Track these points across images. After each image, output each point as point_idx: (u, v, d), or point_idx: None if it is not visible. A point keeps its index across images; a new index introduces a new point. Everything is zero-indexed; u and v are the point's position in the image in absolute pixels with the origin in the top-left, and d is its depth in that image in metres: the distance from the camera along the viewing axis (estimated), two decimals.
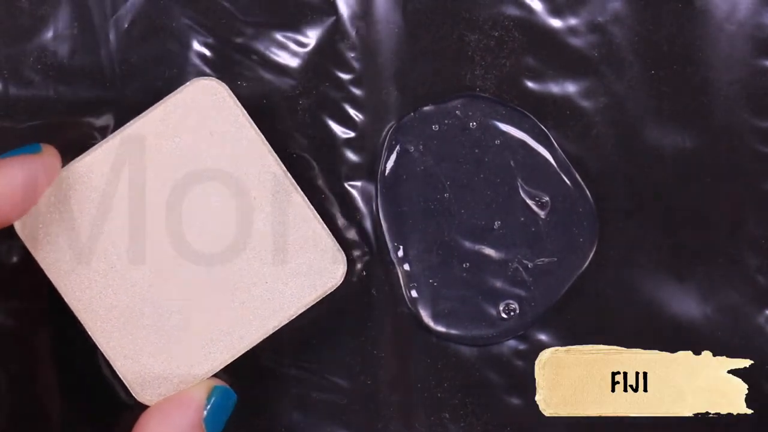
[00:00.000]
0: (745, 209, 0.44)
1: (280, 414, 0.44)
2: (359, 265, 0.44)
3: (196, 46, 0.44)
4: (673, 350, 0.44)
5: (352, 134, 0.45)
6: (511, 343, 0.44)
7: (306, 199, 0.38)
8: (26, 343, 0.42)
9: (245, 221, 0.36)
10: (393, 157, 0.44)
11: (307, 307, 0.37)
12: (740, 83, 0.44)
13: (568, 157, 0.44)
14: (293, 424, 0.40)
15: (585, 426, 0.44)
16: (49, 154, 0.36)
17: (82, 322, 0.37)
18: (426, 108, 0.44)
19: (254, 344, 0.38)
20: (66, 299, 0.36)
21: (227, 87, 0.37)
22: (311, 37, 0.44)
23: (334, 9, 0.44)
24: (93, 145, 0.39)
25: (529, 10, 0.45)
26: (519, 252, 0.44)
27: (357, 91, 0.45)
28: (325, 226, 0.38)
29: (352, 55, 0.45)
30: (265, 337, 0.38)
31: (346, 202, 0.44)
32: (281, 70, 0.44)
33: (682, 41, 0.45)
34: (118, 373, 0.37)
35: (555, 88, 0.45)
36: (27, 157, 0.34)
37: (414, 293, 0.44)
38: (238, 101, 0.37)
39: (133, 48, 0.44)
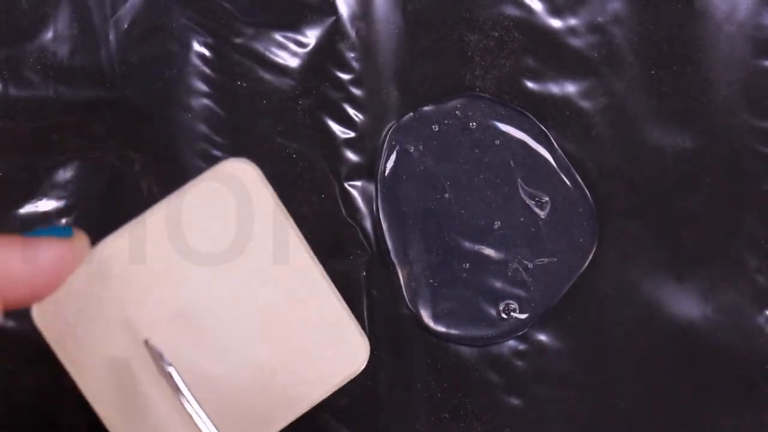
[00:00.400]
0: (744, 209, 0.44)
1: None
2: (359, 265, 0.44)
3: (196, 46, 0.44)
4: (672, 351, 0.44)
5: (352, 134, 0.45)
6: (511, 343, 0.44)
7: (332, 284, 0.37)
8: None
9: (271, 309, 0.36)
10: (393, 157, 0.44)
11: (330, 393, 0.37)
12: (740, 83, 0.44)
13: (568, 157, 0.44)
14: (293, 425, 0.40)
15: None
16: (80, 240, 0.33)
17: (97, 414, 0.36)
18: (426, 108, 0.44)
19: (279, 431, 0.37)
20: (82, 391, 0.35)
21: (257, 168, 0.36)
22: (311, 37, 0.44)
23: (333, 9, 0.44)
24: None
25: (528, 10, 0.45)
26: (519, 252, 0.44)
27: (357, 92, 0.45)
28: (349, 311, 0.37)
29: (352, 55, 0.45)
30: (288, 423, 0.37)
31: (346, 202, 0.44)
32: (281, 70, 0.44)
33: (682, 42, 0.45)
34: None
35: (555, 89, 0.45)
36: (57, 241, 0.32)
37: (414, 293, 0.44)
38: (268, 183, 0.36)
39: (133, 48, 0.44)
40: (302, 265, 0.36)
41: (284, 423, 0.37)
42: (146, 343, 0.35)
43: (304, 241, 0.36)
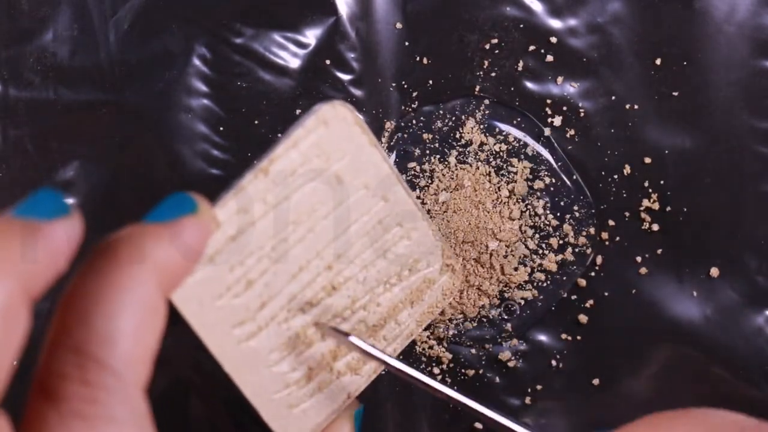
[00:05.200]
0: (744, 210, 0.44)
1: None
2: None
3: (196, 46, 0.44)
4: (672, 352, 0.44)
5: None
6: (511, 344, 0.44)
7: (426, 215, 0.39)
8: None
9: (377, 241, 0.37)
10: (393, 157, 0.44)
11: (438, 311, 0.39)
12: (739, 84, 0.44)
13: (568, 157, 0.44)
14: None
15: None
16: (206, 212, 0.31)
17: (222, 366, 0.35)
18: (426, 108, 0.44)
19: (394, 354, 0.38)
20: (208, 347, 0.34)
21: (353, 110, 0.36)
22: (311, 37, 0.44)
23: (334, 10, 0.44)
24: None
25: (528, 11, 0.45)
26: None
27: (357, 92, 0.45)
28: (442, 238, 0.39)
29: (352, 55, 0.45)
30: (402, 348, 0.39)
31: None
32: (281, 70, 0.44)
33: (682, 42, 0.45)
34: (262, 417, 0.36)
35: (554, 89, 0.45)
36: (187, 221, 0.30)
37: None
38: (366, 126, 0.36)
39: (133, 49, 0.44)
40: (400, 199, 0.37)
41: (418, 330, 0.39)
42: (321, 325, 0.35)
43: (401, 178, 0.37)
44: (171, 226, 0.29)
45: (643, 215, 0.44)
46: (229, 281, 0.33)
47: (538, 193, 0.44)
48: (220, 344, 0.34)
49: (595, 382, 0.44)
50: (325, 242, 0.36)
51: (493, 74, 0.45)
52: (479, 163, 0.44)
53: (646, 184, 0.44)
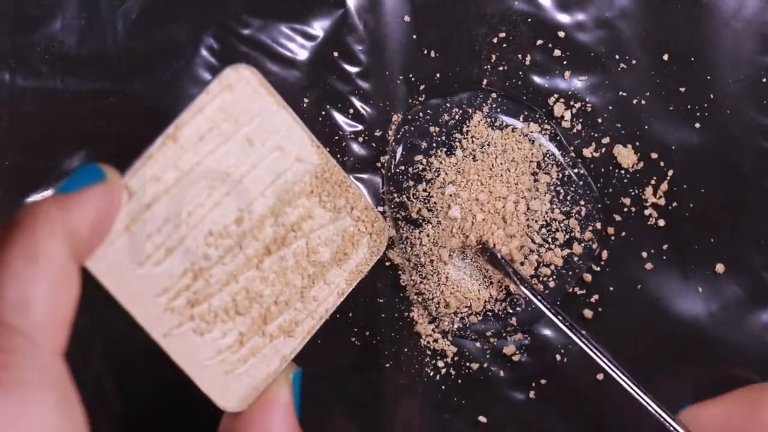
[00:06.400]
0: (750, 206, 0.44)
1: None
2: None
3: (204, 37, 0.44)
4: (677, 348, 0.44)
5: (359, 127, 0.45)
6: (516, 338, 0.44)
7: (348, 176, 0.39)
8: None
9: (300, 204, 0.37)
10: (400, 150, 0.44)
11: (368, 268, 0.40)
12: (746, 80, 0.44)
13: (575, 152, 0.44)
14: (302, 424, 0.40)
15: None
16: (115, 180, 0.32)
17: (150, 334, 0.35)
18: (433, 101, 0.44)
19: (327, 315, 0.38)
20: (134, 316, 0.35)
21: (257, 73, 0.36)
22: (319, 29, 0.44)
23: (341, 2, 0.44)
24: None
25: (536, 5, 0.45)
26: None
27: (364, 84, 0.45)
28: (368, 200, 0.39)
29: (360, 48, 0.45)
30: (335, 307, 0.39)
31: None
32: (288, 62, 0.44)
33: (689, 38, 0.45)
34: (196, 383, 0.36)
35: (562, 84, 0.45)
36: (95, 190, 0.31)
37: (419, 287, 0.44)
38: (269, 85, 0.36)
39: (141, 39, 0.44)
40: (318, 160, 0.38)
41: (327, 310, 0.39)
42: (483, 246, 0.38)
43: (314, 138, 0.37)
44: (79, 194, 0.31)
45: (649, 211, 0.44)
46: (148, 249, 0.34)
47: (545, 187, 0.44)
48: (145, 312, 0.34)
49: (600, 377, 0.44)
50: (242, 206, 0.36)
51: (501, 68, 0.45)
52: (486, 157, 0.44)
53: (653, 179, 0.44)
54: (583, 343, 0.39)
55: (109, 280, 0.33)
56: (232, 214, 0.36)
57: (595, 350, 0.39)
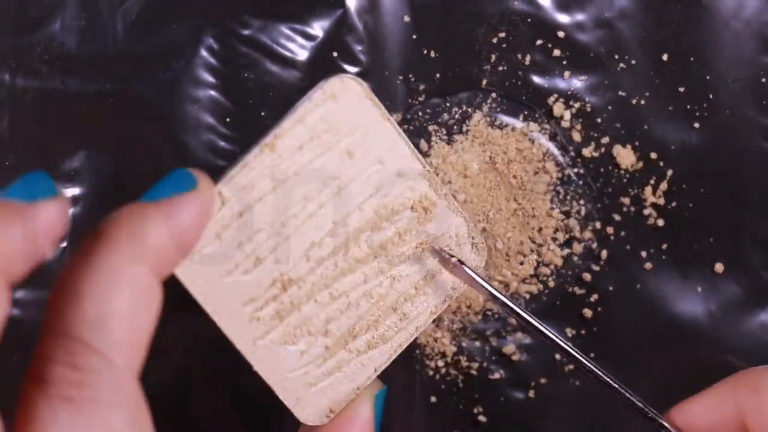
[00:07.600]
0: (750, 206, 0.44)
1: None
2: None
3: (204, 38, 0.44)
4: (676, 348, 0.44)
5: None
6: (516, 337, 0.44)
7: (449, 194, 0.38)
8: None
9: (390, 223, 0.36)
10: None
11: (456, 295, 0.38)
12: (746, 80, 0.44)
13: (575, 152, 0.44)
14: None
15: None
16: (207, 188, 0.30)
17: (234, 344, 0.35)
18: (432, 101, 0.44)
19: (417, 332, 0.37)
20: (219, 325, 0.34)
21: (363, 83, 0.35)
22: (318, 29, 0.44)
23: (341, 2, 0.44)
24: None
25: (536, 5, 0.45)
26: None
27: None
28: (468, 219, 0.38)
29: (360, 48, 0.45)
30: (425, 325, 0.37)
31: None
32: (288, 62, 0.44)
33: (689, 38, 0.45)
34: (278, 395, 0.36)
35: (561, 84, 0.45)
36: (185, 199, 0.29)
37: None
38: (374, 97, 0.35)
39: (141, 39, 0.44)
40: (418, 174, 0.36)
41: (410, 336, 0.37)
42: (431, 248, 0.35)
43: (416, 151, 0.36)
44: (168, 204, 0.29)
45: (648, 210, 0.44)
46: (238, 258, 0.33)
47: (544, 187, 0.44)
48: (230, 322, 0.34)
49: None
50: (338, 218, 0.35)
51: (501, 68, 0.45)
52: (485, 157, 0.44)
53: (652, 178, 0.44)
54: (542, 335, 0.36)
55: (196, 288, 0.33)
56: (326, 226, 0.35)
57: (569, 348, 0.35)
